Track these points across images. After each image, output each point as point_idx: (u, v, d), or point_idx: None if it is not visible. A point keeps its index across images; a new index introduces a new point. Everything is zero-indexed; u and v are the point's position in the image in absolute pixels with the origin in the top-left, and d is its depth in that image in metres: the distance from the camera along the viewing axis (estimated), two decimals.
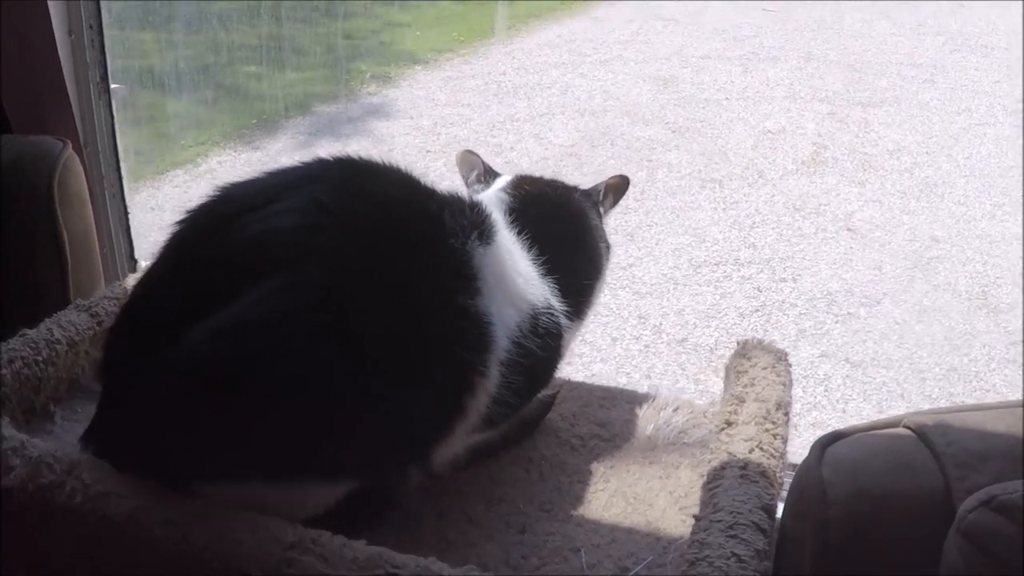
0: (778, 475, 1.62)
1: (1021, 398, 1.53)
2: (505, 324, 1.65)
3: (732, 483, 1.56)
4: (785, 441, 1.72)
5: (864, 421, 1.47)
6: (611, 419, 2.00)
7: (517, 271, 1.72)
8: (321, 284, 1.45)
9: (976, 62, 7.94)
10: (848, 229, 5.20)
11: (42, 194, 2.24)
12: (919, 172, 5.94)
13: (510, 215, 1.83)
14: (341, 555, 1.36)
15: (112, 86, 2.71)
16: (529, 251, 1.78)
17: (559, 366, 1.86)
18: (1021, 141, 5.76)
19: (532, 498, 1.78)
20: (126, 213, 2.83)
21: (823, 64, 7.76)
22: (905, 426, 1.39)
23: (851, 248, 5.03)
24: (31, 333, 1.90)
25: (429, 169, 5.74)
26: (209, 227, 1.57)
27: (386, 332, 1.48)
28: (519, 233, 1.79)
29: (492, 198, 1.89)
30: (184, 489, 1.46)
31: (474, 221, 1.66)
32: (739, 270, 4.80)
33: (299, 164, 1.66)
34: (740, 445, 1.67)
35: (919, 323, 4.36)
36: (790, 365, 1.94)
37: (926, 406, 3.63)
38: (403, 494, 1.68)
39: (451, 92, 7.27)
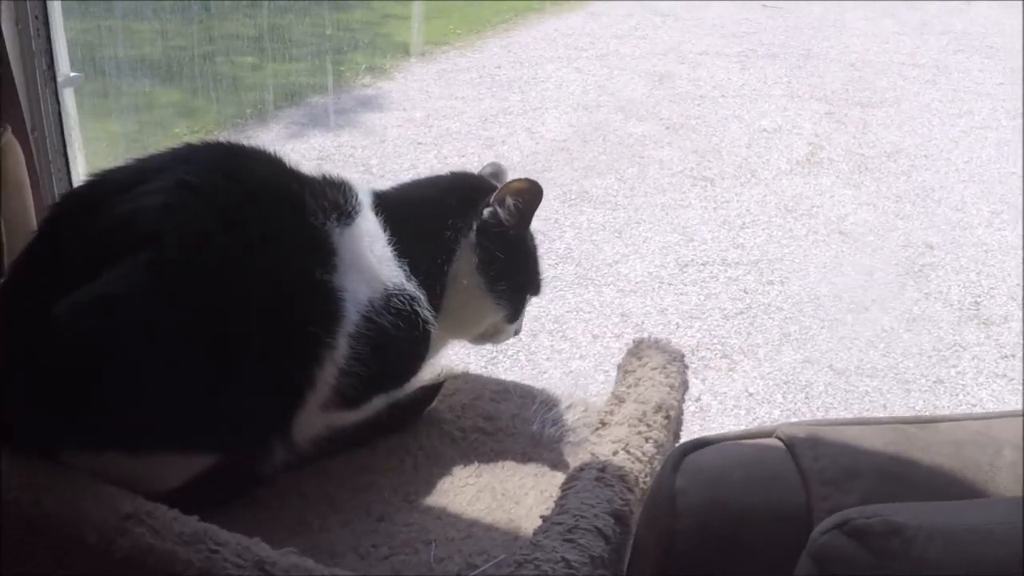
0: (641, 481, 1.58)
1: (920, 415, 1.45)
2: (357, 299, 1.69)
3: (586, 485, 1.53)
4: (660, 445, 1.67)
5: (737, 429, 1.40)
6: (499, 413, 1.98)
7: (372, 251, 1.76)
8: (179, 259, 1.50)
9: (980, 63, 7.87)
10: (840, 232, 5.11)
11: None
12: (916, 176, 5.85)
13: (378, 204, 1.86)
14: (171, 528, 1.40)
15: (71, 74, 2.81)
16: (389, 239, 1.80)
17: (421, 356, 1.87)
18: (1021, 147, 5.66)
19: (399, 487, 1.77)
20: None
21: (823, 62, 7.71)
22: (777, 437, 1.30)
23: (842, 252, 4.95)
24: None
25: (420, 161, 5.74)
26: (80, 208, 1.64)
27: (240, 305, 1.54)
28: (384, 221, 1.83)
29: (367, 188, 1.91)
30: (46, 457, 1.51)
31: (335, 202, 1.73)
32: (726, 271, 4.72)
33: (169, 149, 1.73)
34: (607, 447, 1.64)
35: (907, 332, 4.27)
36: (686, 367, 1.91)
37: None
38: (268, 471, 1.70)
39: (445, 85, 7.24)
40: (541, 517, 1.50)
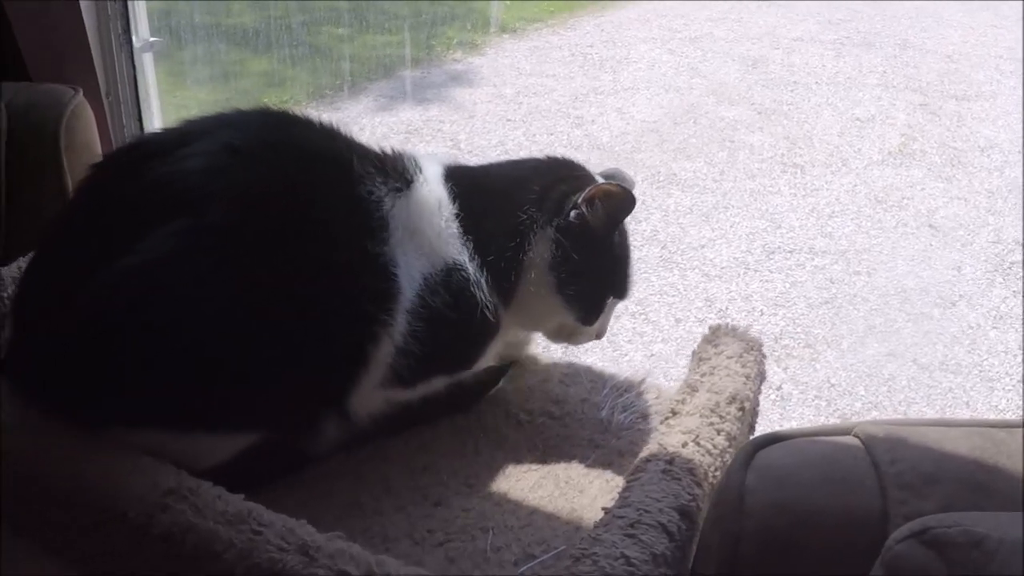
0: (711, 475, 1.51)
1: (1006, 419, 1.37)
2: (410, 275, 1.65)
3: (652, 477, 1.46)
4: (732, 438, 1.60)
5: (814, 425, 1.34)
6: (567, 397, 1.93)
7: (431, 224, 1.71)
8: (222, 226, 1.46)
9: None
10: (930, 226, 5.05)
11: (48, 139, 2.33)
12: (1009, 171, 5.75)
13: (450, 178, 1.80)
14: (213, 507, 1.36)
15: (150, 39, 2.84)
16: (456, 214, 1.75)
17: (482, 341, 1.81)
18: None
19: (459, 471, 1.74)
20: None
21: (919, 53, 7.60)
22: (855, 435, 1.24)
23: (931, 245, 4.88)
24: (3, 270, 1.93)
25: (508, 138, 5.74)
26: (120, 171, 1.61)
27: (287, 276, 1.50)
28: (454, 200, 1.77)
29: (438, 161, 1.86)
30: (85, 430, 1.49)
31: (389, 172, 1.69)
32: (813, 259, 4.67)
33: (215, 113, 1.68)
34: (676, 437, 1.56)
35: (994, 329, 4.20)
36: (763, 356, 1.83)
37: (991, 416, 3.52)
38: (318, 450, 1.68)
39: (536, 62, 7.22)
40: (603, 509, 1.43)
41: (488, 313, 1.73)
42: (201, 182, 1.49)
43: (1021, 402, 3.72)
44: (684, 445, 1.54)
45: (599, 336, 1.92)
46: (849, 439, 1.24)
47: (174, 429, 1.50)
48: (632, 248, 1.92)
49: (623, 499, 1.42)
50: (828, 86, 6.89)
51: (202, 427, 1.52)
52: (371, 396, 1.68)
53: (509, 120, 6.16)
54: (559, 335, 1.92)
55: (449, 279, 1.69)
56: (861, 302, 4.34)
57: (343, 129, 1.75)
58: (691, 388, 1.71)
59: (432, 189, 1.75)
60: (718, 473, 1.52)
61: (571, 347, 1.98)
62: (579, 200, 1.76)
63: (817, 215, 5.12)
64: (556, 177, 1.84)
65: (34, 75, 2.57)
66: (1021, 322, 4.23)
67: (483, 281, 1.73)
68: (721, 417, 1.63)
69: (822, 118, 6.39)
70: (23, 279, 1.67)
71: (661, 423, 1.65)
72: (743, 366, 1.76)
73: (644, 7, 8.63)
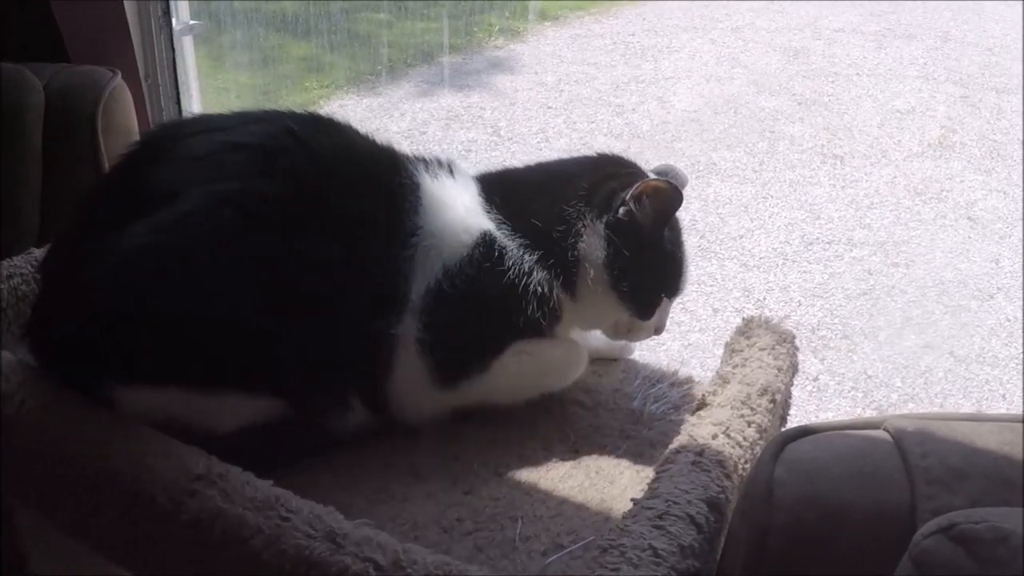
0: (741, 467, 1.51)
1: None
2: (440, 251, 1.68)
3: (681, 469, 1.45)
4: (763, 430, 1.60)
5: (844, 418, 1.36)
6: (599, 387, 1.93)
7: (462, 201, 1.75)
8: (270, 194, 1.53)
9: None
10: (969, 218, 5.05)
11: (85, 121, 2.35)
12: None
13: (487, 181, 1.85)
14: (242, 492, 1.37)
15: (191, 22, 2.89)
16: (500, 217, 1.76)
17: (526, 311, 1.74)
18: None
19: (489, 460, 1.73)
20: None
21: (960, 45, 7.57)
22: (885, 429, 1.24)
23: (970, 238, 4.88)
24: (37, 252, 1.96)
25: (548, 125, 5.77)
26: (173, 136, 1.64)
27: (321, 253, 1.53)
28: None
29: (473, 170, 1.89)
30: (102, 393, 1.51)
31: (429, 164, 1.77)
32: (851, 250, 4.69)
33: (260, 110, 1.74)
34: (706, 429, 1.56)
35: None
36: (796, 348, 1.83)
37: None
38: (344, 431, 1.68)
39: (578, 50, 7.24)
40: (632, 500, 1.42)
41: (543, 293, 1.72)
42: (257, 156, 1.56)
43: None
44: (714, 437, 1.54)
45: (658, 331, 1.89)
46: (879, 433, 1.24)
47: (198, 387, 1.53)
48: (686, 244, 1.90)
49: (652, 490, 1.42)
50: (869, 77, 6.88)
51: (225, 386, 1.54)
52: (417, 394, 1.70)
53: (550, 108, 6.18)
54: (617, 331, 1.88)
55: (474, 252, 1.70)
56: (899, 294, 4.35)
57: (385, 140, 1.79)
58: (723, 380, 1.71)
59: (463, 184, 1.80)
60: (748, 465, 1.52)
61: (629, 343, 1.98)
62: (627, 197, 1.73)
63: (856, 206, 5.13)
64: (605, 174, 1.83)
65: (74, 57, 2.57)
66: None
67: (539, 269, 1.72)
68: (752, 409, 1.63)
69: (862, 109, 6.39)
70: (54, 242, 1.71)
71: (691, 414, 1.66)
72: (775, 358, 1.77)
73: None
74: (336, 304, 1.56)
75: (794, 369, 1.80)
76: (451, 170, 1.80)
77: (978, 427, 1.24)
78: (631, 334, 1.88)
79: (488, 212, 1.76)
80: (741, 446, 1.55)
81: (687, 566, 1.30)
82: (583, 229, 1.76)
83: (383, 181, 1.67)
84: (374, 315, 1.62)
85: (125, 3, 2.62)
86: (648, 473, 1.58)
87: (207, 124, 1.66)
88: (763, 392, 1.67)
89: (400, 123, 5.80)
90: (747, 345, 1.80)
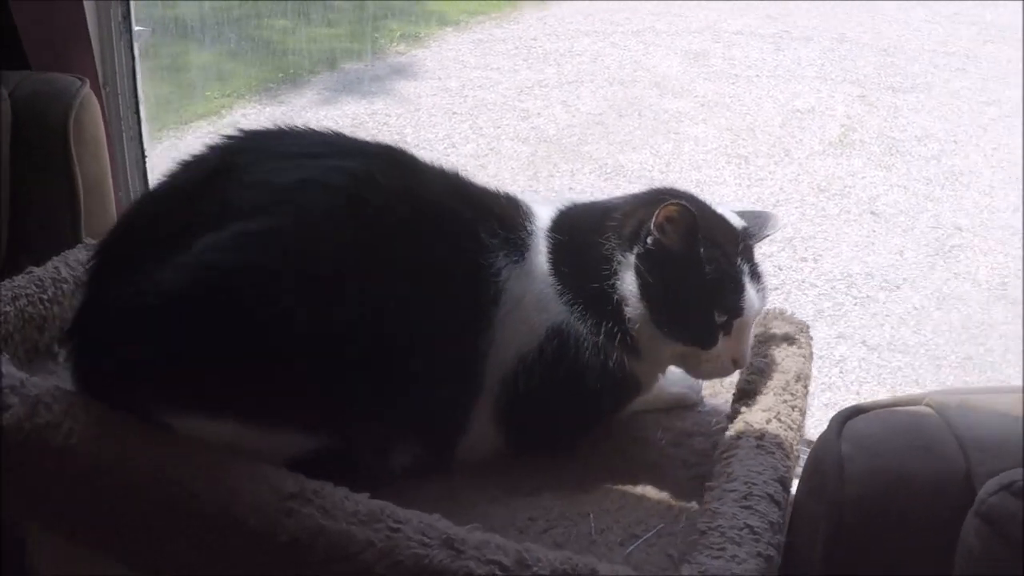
0: (795, 448, 1.60)
1: None
2: (505, 354, 1.68)
3: (748, 453, 1.55)
4: (803, 414, 1.71)
5: (885, 398, 1.44)
6: None
7: (538, 292, 1.71)
8: (348, 241, 1.50)
9: (1009, 54, 7.82)
10: (872, 212, 5.15)
11: (57, 132, 2.26)
12: (946, 160, 5.86)
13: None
14: (342, 507, 1.35)
15: (136, 28, 2.70)
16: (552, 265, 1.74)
17: (611, 399, 1.79)
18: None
19: (543, 464, 1.75)
20: (143, 156, 2.79)
21: (856, 47, 7.69)
22: (927, 404, 1.37)
23: (874, 231, 4.99)
24: (37, 271, 1.90)
25: (454, 131, 5.77)
26: (259, 152, 1.60)
27: (375, 316, 1.50)
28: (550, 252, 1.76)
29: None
30: (155, 420, 1.46)
31: (507, 238, 1.71)
32: (759, 247, 4.71)
33: (334, 132, 1.71)
34: (758, 415, 1.65)
35: (937, 310, 4.32)
36: (811, 338, 1.93)
37: None
38: (402, 467, 1.65)
39: (481, 55, 7.24)
40: (708, 485, 1.52)
41: (611, 367, 1.70)
42: (340, 199, 1.53)
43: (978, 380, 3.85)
44: (768, 422, 1.65)
45: (736, 362, 1.78)
46: (923, 408, 1.38)
47: (254, 421, 1.48)
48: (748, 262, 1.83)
49: (728, 475, 1.52)
50: (768, 79, 6.96)
51: (287, 422, 1.50)
52: (487, 450, 1.73)
53: (455, 113, 6.18)
54: (690, 367, 1.81)
55: (545, 349, 1.68)
56: (809, 287, 4.44)
57: (461, 174, 1.77)
58: (758, 370, 1.80)
59: (540, 253, 1.75)
60: (798, 447, 1.63)
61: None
62: (651, 226, 1.68)
63: (763, 204, 5.15)
64: (639, 203, 1.79)
65: (34, 64, 2.50)
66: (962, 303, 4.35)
67: (591, 334, 1.70)
68: (793, 395, 1.74)
69: (764, 110, 6.47)
70: (101, 245, 1.64)
71: (736, 403, 1.76)
72: (799, 347, 1.89)
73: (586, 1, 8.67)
74: (414, 361, 1.56)
75: (812, 357, 1.90)
76: (526, 228, 1.75)
77: (1008, 398, 1.40)
78: (704, 367, 1.79)
79: (559, 293, 1.72)
80: (791, 429, 1.66)
81: (777, 541, 1.40)
82: (617, 265, 1.72)
83: (464, 254, 1.65)
84: (450, 382, 1.63)
85: (85, 4, 2.53)
86: (694, 459, 1.76)
87: (298, 145, 1.63)
88: (798, 378, 1.80)
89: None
90: (770, 336, 1.90)
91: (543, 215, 1.80)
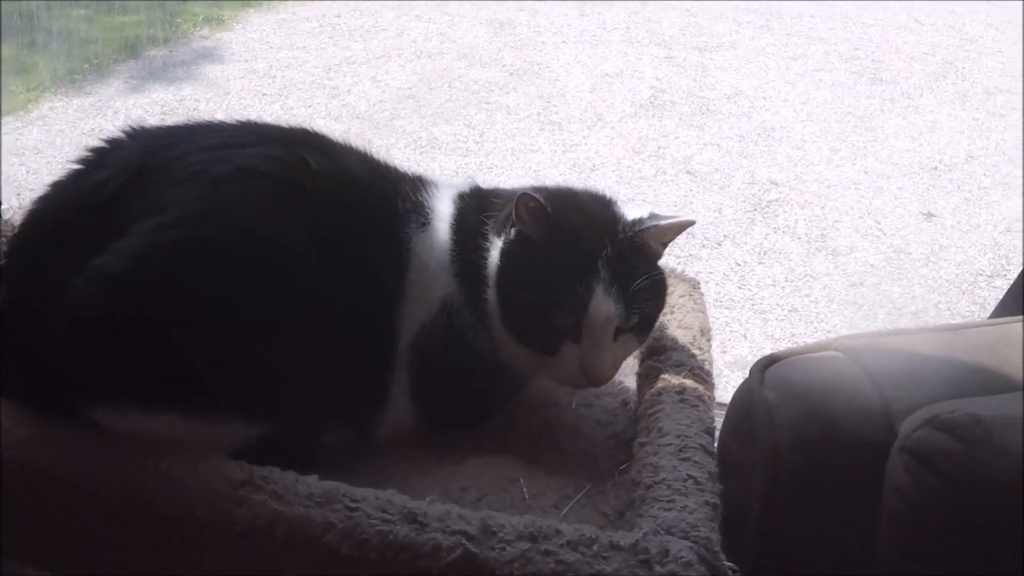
0: (712, 399, 1.63)
1: (942, 324, 1.62)
2: (415, 313, 1.64)
3: (673, 408, 1.57)
4: (711, 365, 1.73)
5: (796, 345, 1.54)
6: None
7: (438, 260, 1.67)
8: (279, 233, 1.46)
9: (812, 9, 8.04)
10: (688, 172, 5.23)
11: None
12: (756, 116, 5.99)
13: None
14: (295, 491, 1.33)
15: None
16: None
17: (488, 387, 1.73)
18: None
19: (465, 435, 1.73)
20: None
21: (659, 8, 7.79)
22: (836, 350, 1.46)
23: (691, 191, 5.06)
24: None
25: (265, 112, 5.70)
26: (165, 149, 1.53)
27: (320, 295, 1.48)
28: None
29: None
30: (84, 420, 1.41)
31: (417, 205, 1.68)
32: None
33: (243, 122, 1.66)
34: (672, 371, 1.67)
35: (760, 264, 4.41)
36: (703, 293, 1.96)
37: (768, 346, 3.67)
38: (330, 448, 1.60)
39: (286, 35, 7.15)
40: (639, 442, 1.54)
41: (484, 350, 1.67)
42: (278, 191, 1.50)
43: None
44: (684, 376, 1.66)
45: (590, 376, 1.63)
46: (834, 353, 1.46)
47: (194, 414, 1.44)
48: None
49: (658, 429, 1.54)
50: (575, 44, 7.02)
51: (227, 411, 1.46)
52: (409, 425, 1.69)
53: (265, 95, 6.11)
54: (547, 373, 1.70)
55: (438, 320, 1.65)
56: None
57: (371, 153, 1.74)
58: (660, 327, 1.79)
59: (442, 225, 1.70)
60: (712, 398, 1.64)
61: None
62: (512, 214, 1.62)
63: (579, 169, 5.24)
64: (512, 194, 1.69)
65: None
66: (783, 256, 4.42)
67: (467, 311, 1.67)
68: (700, 349, 1.77)
69: (573, 75, 6.52)
70: (12, 245, 1.56)
71: (647, 359, 1.76)
72: (695, 303, 1.91)
73: None
74: (338, 339, 1.51)
75: (706, 311, 1.93)
76: (433, 198, 1.71)
77: (910, 339, 1.51)
78: (552, 373, 1.68)
79: (451, 263, 1.67)
80: (706, 382, 1.68)
81: (718, 489, 1.42)
82: (490, 247, 1.67)
83: (385, 228, 1.63)
84: (371, 356, 1.60)
85: None
86: (606, 419, 1.76)
87: (222, 137, 1.58)
88: (702, 332, 1.83)
89: (115, 122, 5.60)
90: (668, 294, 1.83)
91: (448, 193, 1.76)
